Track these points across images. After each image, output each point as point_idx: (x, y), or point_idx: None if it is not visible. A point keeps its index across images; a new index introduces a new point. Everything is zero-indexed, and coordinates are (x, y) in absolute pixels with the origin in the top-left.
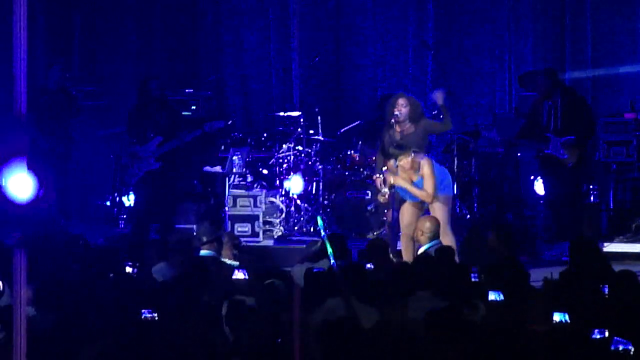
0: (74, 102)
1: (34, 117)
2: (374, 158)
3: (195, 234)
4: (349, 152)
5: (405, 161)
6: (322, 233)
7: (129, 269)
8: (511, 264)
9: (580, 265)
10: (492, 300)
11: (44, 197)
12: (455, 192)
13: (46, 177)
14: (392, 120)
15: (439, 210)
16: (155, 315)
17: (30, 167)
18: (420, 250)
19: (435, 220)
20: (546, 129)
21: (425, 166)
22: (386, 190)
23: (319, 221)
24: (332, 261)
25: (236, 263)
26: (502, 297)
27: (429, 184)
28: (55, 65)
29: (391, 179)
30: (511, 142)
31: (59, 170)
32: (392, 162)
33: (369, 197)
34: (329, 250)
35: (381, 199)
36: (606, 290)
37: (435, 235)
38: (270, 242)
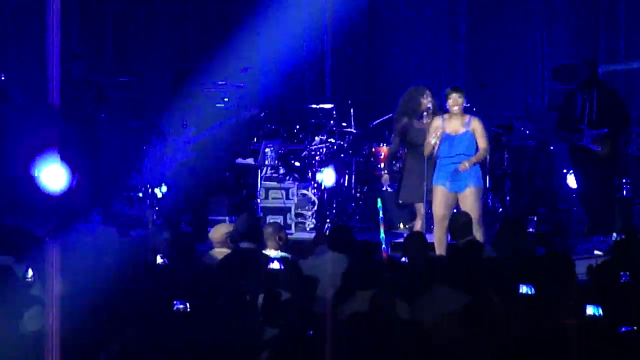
0: (99, 93)
1: (61, 109)
2: (405, 151)
3: (234, 227)
4: (381, 145)
5: (458, 105)
6: (380, 215)
7: (160, 260)
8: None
9: (624, 257)
10: (523, 294)
11: (77, 187)
12: (487, 185)
13: (78, 168)
14: (425, 114)
15: (475, 202)
16: (187, 306)
17: (63, 158)
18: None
19: (469, 216)
20: (580, 121)
21: (478, 122)
22: (435, 140)
23: (379, 203)
24: (383, 246)
25: (281, 254)
26: (533, 290)
27: (483, 141)
28: (78, 57)
29: (438, 133)
30: (545, 130)
31: (90, 161)
32: (438, 120)
33: None
34: (382, 233)
35: (429, 147)
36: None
37: (470, 231)
38: (302, 234)
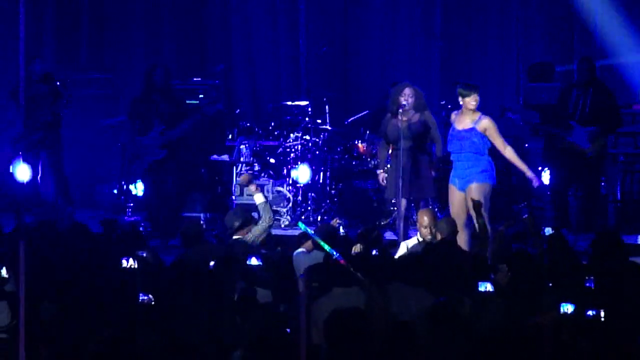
0: (59, 90)
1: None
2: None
3: (225, 222)
4: (356, 142)
5: (472, 101)
6: (309, 232)
7: (125, 263)
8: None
9: (602, 257)
10: (482, 292)
11: (43, 184)
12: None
13: (39, 164)
14: (400, 110)
15: (480, 197)
16: (152, 298)
17: (24, 156)
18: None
19: (434, 215)
20: (571, 116)
21: (488, 121)
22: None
23: (301, 226)
24: (334, 253)
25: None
26: (492, 288)
27: (498, 141)
28: (36, 59)
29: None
30: (535, 127)
31: (53, 157)
32: (452, 115)
33: (376, 186)
34: (324, 245)
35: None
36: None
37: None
38: (277, 231)
